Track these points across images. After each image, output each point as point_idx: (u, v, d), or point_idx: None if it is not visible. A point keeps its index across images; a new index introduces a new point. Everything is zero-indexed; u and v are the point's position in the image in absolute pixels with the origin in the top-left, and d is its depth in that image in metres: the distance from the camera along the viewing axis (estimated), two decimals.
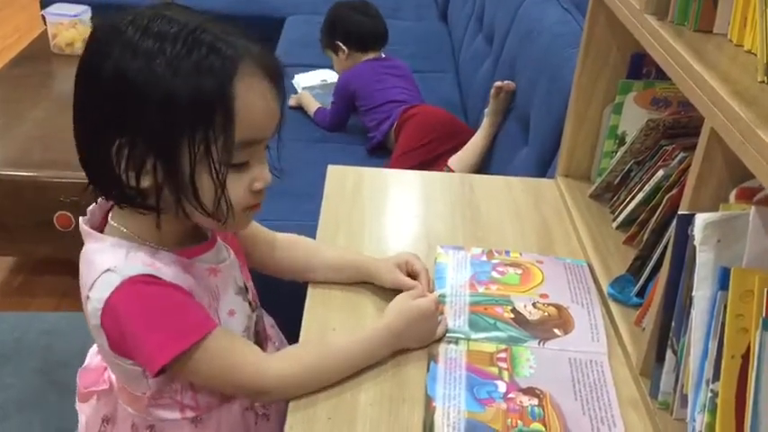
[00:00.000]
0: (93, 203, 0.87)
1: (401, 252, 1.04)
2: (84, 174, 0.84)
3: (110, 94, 0.76)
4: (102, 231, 0.85)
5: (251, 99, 0.77)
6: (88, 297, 0.81)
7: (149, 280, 0.80)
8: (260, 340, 0.96)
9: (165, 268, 0.81)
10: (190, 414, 0.88)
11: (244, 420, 0.92)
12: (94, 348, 0.97)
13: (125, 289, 0.79)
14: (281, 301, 1.02)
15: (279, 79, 0.81)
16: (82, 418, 0.98)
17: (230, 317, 0.88)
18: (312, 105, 2.38)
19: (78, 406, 0.99)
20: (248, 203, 0.82)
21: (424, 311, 0.92)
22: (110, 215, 0.86)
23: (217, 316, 0.86)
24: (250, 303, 0.94)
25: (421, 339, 0.92)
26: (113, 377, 0.92)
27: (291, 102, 2.40)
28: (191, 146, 0.75)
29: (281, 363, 0.86)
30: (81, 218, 0.86)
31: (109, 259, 0.81)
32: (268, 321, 1.01)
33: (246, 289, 0.93)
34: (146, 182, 0.78)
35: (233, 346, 0.84)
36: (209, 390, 0.88)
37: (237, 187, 0.80)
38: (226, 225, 0.82)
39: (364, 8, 2.41)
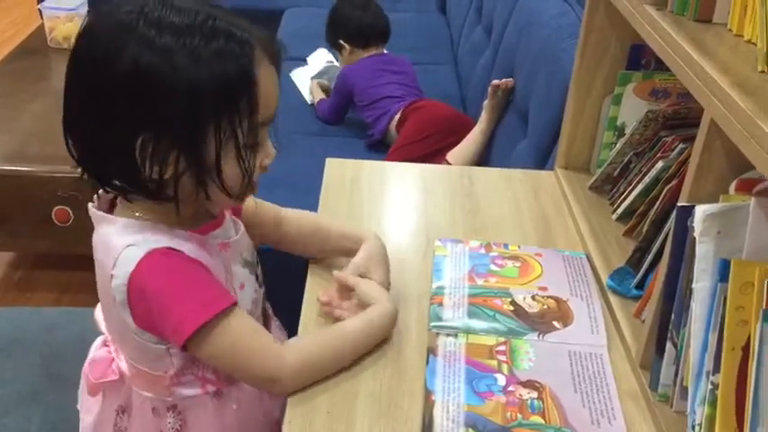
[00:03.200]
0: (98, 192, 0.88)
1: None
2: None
3: (129, 92, 0.76)
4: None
5: (265, 82, 0.80)
6: (112, 276, 0.81)
7: (171, 252, 0.81)
8: (265, 317, 0.99)
9: (183, 244, 0.83)
10: (211, 388, 0.89)
11: (260, 393, 0.93)
12: (98, 341, 0.98)
13: (148, 260, 0.80)
14: (278, 285, 1.04)
15: (280, 62, 0.84)
16: (87, 418, 0.97)
17: (240, 290, 0.90)
18: (317, 95, 2.39)
19: (82, 404, 0.99)
20: (257, 179, 0.86)
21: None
22: (118, 200, 0.87)
23: (232, 290, 0.88)
24: (257, 277, 0.95)
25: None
26: (124, 366, 0.92)
27: (309, 96, 2.40)
28: (217, 132, 0.77)
29: (296, 356, 0.85)
30: (90, 204, 0.87)
31: (128, 237, 0.82)
32: (267, 304, 1.02)
33: (254, 263, 0.95)
34: (168, 173, 0.78)
35: (253, 330, 0.85)
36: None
37: (253, 166, 0.83)
38: (239, 201, 0.86)
39: (364, 4, 2.40)
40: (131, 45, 0.75)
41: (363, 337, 0.89)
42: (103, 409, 0.95)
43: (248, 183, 0.83)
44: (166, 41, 0.75)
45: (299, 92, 2.49)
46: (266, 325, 0.98)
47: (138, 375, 0.91)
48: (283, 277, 1.05)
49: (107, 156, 0.80)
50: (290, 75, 2.54)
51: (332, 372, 0.86)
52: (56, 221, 2.06)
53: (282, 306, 1.05)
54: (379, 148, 2.19)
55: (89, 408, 0.97)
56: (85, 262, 0.91)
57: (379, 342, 0.90)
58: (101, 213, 0.86)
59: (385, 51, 2.43)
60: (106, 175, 0.83)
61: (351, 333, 0.88)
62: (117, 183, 0.82)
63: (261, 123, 0.81)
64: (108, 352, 0.95)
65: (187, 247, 0.83)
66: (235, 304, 0.84)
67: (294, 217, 1.05)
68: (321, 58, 2.62)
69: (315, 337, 0.91)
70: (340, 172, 1.29)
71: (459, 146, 2.00)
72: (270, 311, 1.03)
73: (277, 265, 1.07)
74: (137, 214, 0.84)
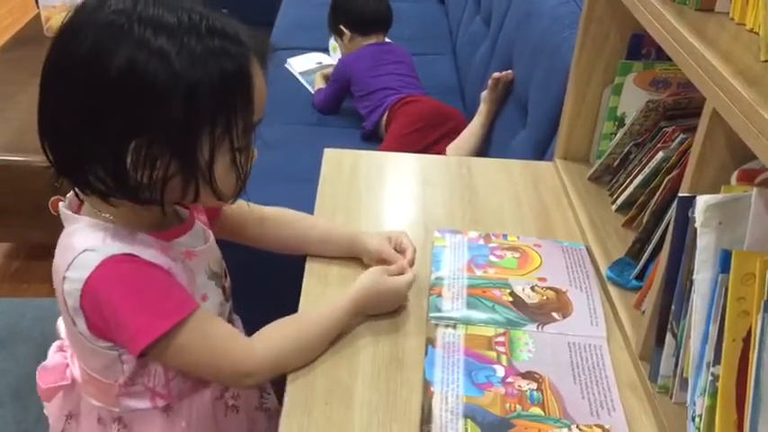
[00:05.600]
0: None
1: (395, 230, 1.04)
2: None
3: (123, 95, 0.72)
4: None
5: (259, 83, 0.79)
6: (65, 278, 0.79)
7: (129, 259, 0.79)
8: None
9: (144, 250, 0.80)
10: (161, 403, 0.87)
11: (214, 411, 0.92)
12: (54, 346, 0.96)
13: (105, 268, 0.77)
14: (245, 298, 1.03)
15: (267, 62, 0.82)
16: (51, 419, 0.97)
17: (203, 302, 0.87)
18: (318, 85, 2.38)
19: (46, 407, 0.97)
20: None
21: (398, 290, 0.93)
22: (85, 201, 0.84)
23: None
24: (224, 290, 0.93)
25: (384, 310, 0.93)
26: (76, 372, 0.91)
27: (311, 87, 2.40)
28: (212, 134, 0.76)
29: (263, 345, 0.85)
30: (60, 203, 0.85)
31: (87, 240, 0.80)
32: (235, 317, 1.00)
33: (221, 275, 0.93)
34: (158, 176, 0.76)
35: (216, 329, 0.83)
36: (185, 375, 0.87)
37: (246, 167, 0.82)
38: (230, 202, 0.84)
39: None
40: (125, 46, 0.72)
41: (332, 320, 0.88)
42: (56, 414, 0.94)
43: (242, 184, 0.82)
44: (162, 42, 0.72)
45: (296, 82, 2.48)
46: None
47: (89, 382, 0.89)
48: (249, 280, 1.04)
49: (92, 159, 0.76)
50: (286, 65, 2.52)
51: (305, 359, 0.85)
52: (52, 212, 2.05)
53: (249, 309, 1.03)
54: (375, 139, 2.18)
55: (51, 412, 0.96)
56: None
57: (345, 328, 0.90)
58: (66, 212, 0.84)
59: (387, 40, 2.41)
60: (85, 178, 0.78)
61: (317, 317, 0.88)
62: (96, 185, 0.78)
63: (254, 125, 0.80)
64: (63, 357, 0.94)
65: (148, 253, 0.80)
66: (196, 308, 0.81)
67: (277, 216, 1.04)
68: (310, 60, 2.59)
69: (281, 325, 0.88)
70: (338, 162, 1.28)
71: (458, 138, 1.99)
72: (237, 324, 0.99)
73: (243, 267, 1.05)
74: (103, 215, 0.82)
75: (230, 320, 0.96)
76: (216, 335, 0.83)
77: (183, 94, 0.73)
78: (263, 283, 1.34)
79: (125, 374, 0.85)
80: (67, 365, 0.93)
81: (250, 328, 0.91)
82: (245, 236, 1.02)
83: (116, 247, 0.79)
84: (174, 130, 0.74)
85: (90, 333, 0.82)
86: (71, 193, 0.86)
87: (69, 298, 0.80)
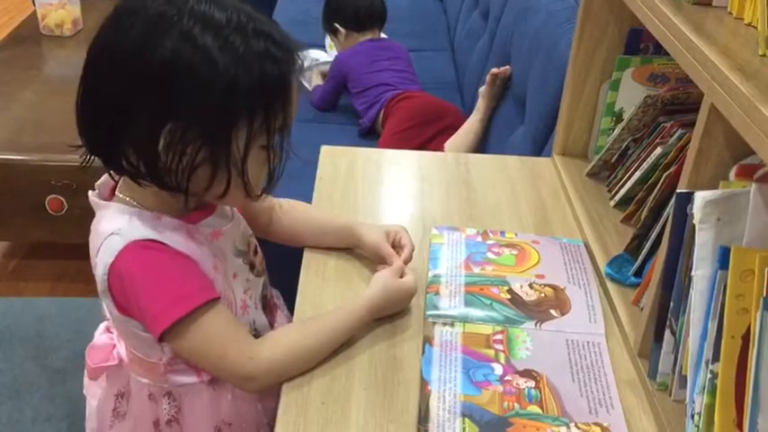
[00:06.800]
0: (105, 176, 0.88)
1: (397, 224, 1.04)
2: (75, 157, 0.85)
3: (165, 83, 0.75)
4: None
5: (295, 89, 0.82)
6: (96, 263, 0.82)
7: (152, 245, 0.81)
8: (269, 307, 0.98)
9: (169, 233, 0.82)
10: (206, 377, 0.89)
11: None
12: (101, 327, 0.99)
13: (128, 253, 0.80)
14: (285, 273, 1.03)
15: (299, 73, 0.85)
16: (92, 402, 0.98)
17: (234, 279, 0.90)
18: (315, 82, 2.38)
19: (86, 389, 0.99)
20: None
21: (409, 291, 0.93)
22: (117, 188, 0.87)
23: (225, 278, 0.87)
24: (252, 266, 0.94)
25: (394, 311, 0.93)
26: (123, 352, 0.93)
27: (307, 84, 2.40)
28: (248, 129, 0.78)
29: (269, 350, 0.84)
30: (90, 192, 0.87)
31: (113, 223, 0.82)
32: (275, 293, 1.02)
33: (248, 252, 0.94)
34: (187, 161, 0.78)
35: (229, 327, 0.84)
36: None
37: (278, 166, 0.84)
38: (255, 199, 0.85)
39: None
40: (172, 37, 0.75)
41: (343, 328, 0.88)
42: (105, 394, 0.96)
43: (271, 182, 0.84)
44: (209, 38, 0.75)
45: None
46: (271, 314, 0.98)
47: (135, 361, 0.91)
48: (282, 266, 1.04)
49: (126, 138, 0.79)
50: None
51: (309, 367, 0.85)
52: (49, 210, 2.04)
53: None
54: (372, 135, 2.17)
55: (94, 393, 0.98)
56: (79, 251, 0.91)
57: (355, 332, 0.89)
58: (95, 199, 0.86)
59: (383, 36, 2.40)
60: (117, 157, 0.81)
61: (330, 323, 0.87)
62: (126, 166, 0.81)
63: (288, 126, 0.82)
64: (110, 338, 0.96)
65: (173, 237, 0.82)
66: (214, 299, 0.83)
67: (286, 207, 1.05)
68: (307, 57, 2.58)
69: (293, 333, 0.89)
70: (335, 159, 1.27)
71: (455, 135, 1.98)
72: (276, 300, 1.02)
73: (275, 255, 1.05)
74: (127, 199, 0.84)
75: (268, 296, 0.98)
76: (226, 332, 0.83)
77: (222, 88, 0.75)
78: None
79: (166, 354, 0.87)
80: (114, 346, 0.94)
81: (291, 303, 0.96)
82: (257, 225, 1.01)
83: (140, 231, 0.81)
84: (209, 119, 0.77)
85: (120, 314, 0.84)
86: (100, 181, 0.88)
87: (99, 283, 0.82)
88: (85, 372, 0.98)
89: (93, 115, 0.81)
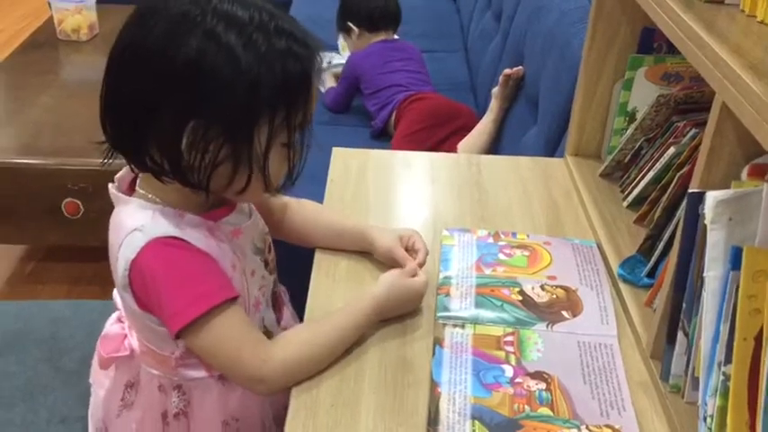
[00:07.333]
0: (124, 170, 0.88)
1: (409, 228, 1.03)
2: (91, 161, 0.86)
3: (189, 82, 0.76)
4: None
5: (315, 87, 0.83)
6: (117, 258, 0.83)
7: (174, 242, 0.82)
8: (278, 304, 0.99)
9: (191, 231, 0.83)
10: (216, 372, 0.89)
11: None
12: (113, 317, 0.99)
13: (150, 249, 0.81)
14: (295, 272, 1.03)
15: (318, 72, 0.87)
16: (99, 392, 0.99)
17: (251, 276, 0.90)
18: (329, 84, 2.38)
19: (94, 379, 1.00)
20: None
21: (417, 292, 0.93)
22: (137, 183, 0.88)
23: (242, 275, 0.88)
24: (266, 264, 0.95)
25: (402, 312, 0.93)
26: (135, 343, 0.93)
27: (321, 86, 2.40)
28: (270, 125, 0.79)
29: (282, 351, 0.84)
30: (110, 184, 0.88)
31: (136, 219, 0.83)
32: (282, 289, 1.02)
33: (264, 249, 0.95)
34: (210, 159, 0.79)
35: (245, 328, 0.85)
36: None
37: (297, 163, 0.85)
38: (273, 194, 0.87)
39: None
40: (196, 36, 0.76)
41: (352, 327, 0.87)
42: (114, 383, 0.96)
43: (291, 178, 0.85)
44: (232, 37, 0.76)
45: None
46: (279, 311, 0.99)
47: (147, 353, 0.92)
48: (293, 264, 1.04)
49: (150, 135, 0.80)
50: None
51: (320, 368, 0.85)
52: (66, 214, 2.06)
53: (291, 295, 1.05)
54: (385, 137, 2.17)
55: (101, 382, 0.99)
56: (96, 254, 0.91)
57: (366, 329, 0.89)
58: (116, 193, 0.87)
59: (396, 37, 2.40)
60: (140, 154, 0.82)
61: (338, 322, 0.87)
62: (150, 163, 0.82)
63: (308, 124, 0.83)
64: (122, 328, 0.96)
65: (195, 235, 0.83)
66: (233, 299, 0.83)
67: (299, 206, 1.05)
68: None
69: (303, 333, 0.88)
70: (346, 161, 1.27)
71: (468, 136, 1.97)
72: (284, 297, 1.02)
73: (291, 251, 1.06)
74: (149, 196, 0.85)
75: (277, 293, 0.99)
76: (240, 334, 0.83)
77: (245, 87, 0.76)
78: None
79: (179, 348, 0.88)
80: (125, 336, 0.95)
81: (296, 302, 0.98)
82: (270, 223, 1.01)
83: (162, 229, 0.82)
84: (232, 117, 0.77)
85: (140, 310, 0.85)
86: (119, 174, 0.89)
87: (120, 277, 0.83)
88: (94, 361, 0.99)
89: (117, 113, 0.82)
